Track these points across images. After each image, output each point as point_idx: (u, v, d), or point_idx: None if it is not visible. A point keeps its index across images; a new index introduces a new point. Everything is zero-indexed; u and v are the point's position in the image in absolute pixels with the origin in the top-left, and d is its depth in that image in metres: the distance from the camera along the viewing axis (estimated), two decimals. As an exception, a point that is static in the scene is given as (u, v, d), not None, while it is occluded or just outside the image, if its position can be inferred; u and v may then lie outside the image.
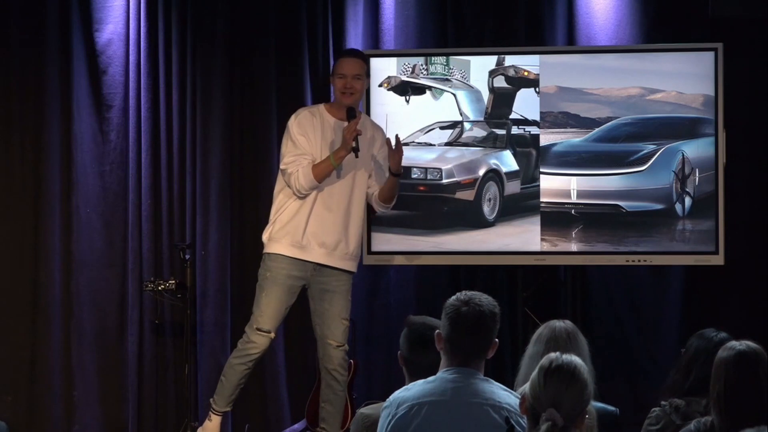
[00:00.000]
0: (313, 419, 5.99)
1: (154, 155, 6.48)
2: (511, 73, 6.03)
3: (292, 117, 5.53)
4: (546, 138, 6.04)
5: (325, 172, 5.43)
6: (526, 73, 6.02)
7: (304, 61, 6.45)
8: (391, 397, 3.50)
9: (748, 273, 6.19)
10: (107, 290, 6.51)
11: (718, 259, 5.89)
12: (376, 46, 6.41)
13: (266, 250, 5.54)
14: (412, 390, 3.48)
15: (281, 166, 5.49)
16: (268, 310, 5.49)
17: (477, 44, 6.35)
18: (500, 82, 6.04)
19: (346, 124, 5.41)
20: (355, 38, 6.45)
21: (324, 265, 5.52)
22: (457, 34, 6.42)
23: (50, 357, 6.47)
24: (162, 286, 6.18)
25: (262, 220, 6.18)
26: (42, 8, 6.47)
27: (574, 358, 3.00)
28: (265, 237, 5.55)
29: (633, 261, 5.97)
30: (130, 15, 6.46)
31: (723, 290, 6.23)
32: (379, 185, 5.60)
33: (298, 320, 6.49)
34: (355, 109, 5.50)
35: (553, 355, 3.00)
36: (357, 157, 5.43)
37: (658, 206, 5.98)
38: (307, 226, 5.48)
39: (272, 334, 5.53)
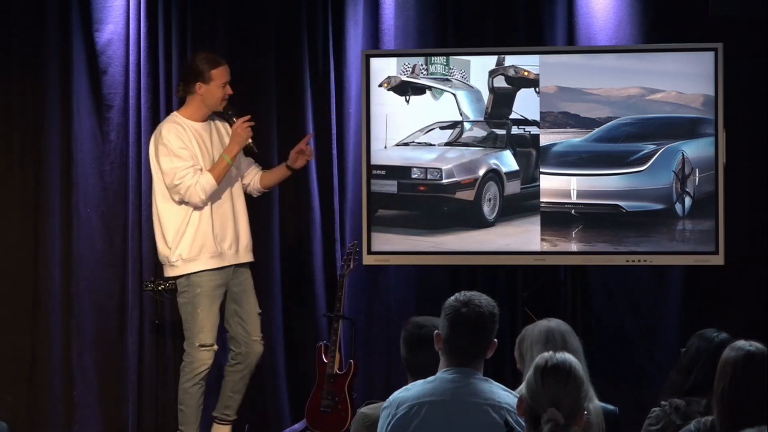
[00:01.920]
0: (313, 419, 6.00)
1: (154, 155, 6.48)
2: (511, 73, 6.03)
3: (162, 135, 5.53)
4: (546, 138, 6.04)
5: (223, 173, 5.56)
6: (526, 73, 6.02)
7: (304, 61, 6.45)
8: (391, 397, 3.51)
9: (748, 273, 6.18)
10: (107, 290, 6.52)
11: (718, 259, 5.89)
12: (376, 46, 6.41)
13: (185, 271, 5.57)
14: (411, 390, 3.48)
15: (174, 182, 5.47)
16: (208, 324, 5.58)
17: (477, 44, 6.35)
18: (500, 82, 6.04)
19: (207, 125, 5.61)
20: (355, 38, 6.45)
21: (236, 265, 5.66)
22: (457, 34, 6.42)
23: (50, 357, 6.47)
24: (162, 286, 6.18)
25: (261, 219, 6.20)
26: (42, 8, 6.47)
27: (568, 356, 3.00)
28: (173, 259, 5.56)
29: (633, 261, 5.97)
30: (130, 15, 6.46)
31: (723, 290, 6.23)
32: (251, 171, 5.78)
33: (298, 321, 6.51)
34: (230, 107, 5.65)
35: (547, 354, 3.00)
36: (251, 151, 5.66)
37: (658, 206, 5.98)
38: (214, 234, 5.58)
39: (215, 347, 5.64)
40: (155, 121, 6.47)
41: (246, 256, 5.75)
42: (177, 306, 6.11)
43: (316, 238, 6.46)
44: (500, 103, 6.05)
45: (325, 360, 6.02)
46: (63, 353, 6.48)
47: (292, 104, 6.47)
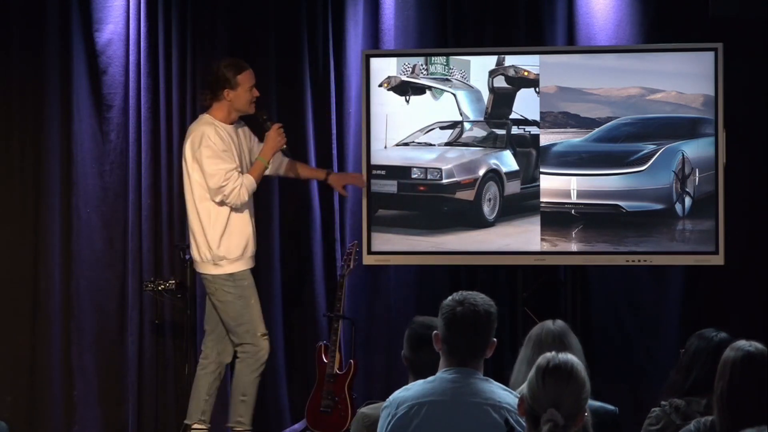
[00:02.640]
0: (313, 419, 6.00)
1: (154, 155, 6.49)
2: (511, 73, 6.03)
3: (203, 138, 5.57)
4: (546, 138, 6.04)
5: (262, 175, 5.74)
6: (526, 73, 6.02)
7: (304, 61, 6.45)
8: (391, 397, 3.50)
9: (748, 273, 6.18)
10: (107, 290, 6.52)
11: (718, 259, 5.89)
12: (376, 46, 6.41)
13: (229, 270, 5.65)
14: (411, 390, 3.48)
15: (220, 183, 5.54)
16: (258, 314, 5.71)
17: (477, 44, 6.35)
18: (500, 82, 6.04)
19: (235, 127, 5.70)
20: (355, 38, 6.45)
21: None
22: (457, 34, 6.42)
23: (50, 357, 6.47)
24: (162, 286, 6.19)
25: (261, 219, 6.20)
26: (42, 8, 6.47)
27: (571, 357, 3.00)
28: (217, 258, 5.63)
29: (633, 261, 5.97)
30: (130, 15, 6.46)
31: (723, 290, 6.23)
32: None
33: (298, 321, 6.51)
34: (263, 111, 5.81)
35: (549, 354, 2.99)
36: (286, 154, 5.85)
37: (658, 206, 5.98)
38: (253, 234, 5.71)
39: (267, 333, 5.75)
40: (155, 121, 6.48)
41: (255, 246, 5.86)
42: (177, 306, 6.13)
43: (316, 238, 6.46)
44: (500, 103, 6.05)
45: (325, 360, 6.02)
46: (63, 353, 6.48)
47: (292, 104, 6.47)
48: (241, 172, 5.64)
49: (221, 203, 5.60)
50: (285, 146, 5.78)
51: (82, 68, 6.49)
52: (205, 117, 5.70)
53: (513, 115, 6.05)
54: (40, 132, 6.51)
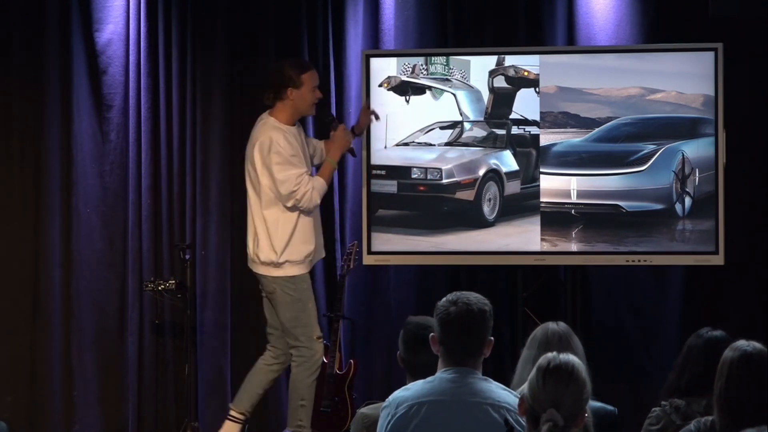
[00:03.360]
0: (313, 419, 5.99)
1: (154, 155, 6.49)
2: (511, 73, 6.03)
3: (272, 144, 5.55)
4: (546, 138, 6.04)
5: (331, 177, 5.79)
6: (526, 73, 6.02)
7: (304, 61, 6.45)
8: (391, 397, 3.51)
9: (748, 273, 6.19)
10: (107, 290, 6.52)
11: (718, 259, 5.89)
12: (376, 46, 6.41)
13: (290, 273, 5.64)
14: (411, 390, 3.48)
15: (292, 188, 5.52)
16: (314, 318, 5.70)
17: (477, 44, 6.35)
18: (500, 82, 6.04)
19: (298, 128, 5.69)
20: (355, 38, 6.45)
21: None
22: (457, 34, 6.42)
23: (50, 357, 6.47)
24: (162, 286, 6.19)
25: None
26: (42, 8, 6.46)
27: (572, 358, 3.00)
28: (280, 261, 5.62)
29: (633, 261, 5.97)
30: (130, 15, 6.46)
31: (723, 290, 6.23)
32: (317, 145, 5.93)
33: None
34: (328, 111, 5.87)
35: (550, 355, 3.00)
36: (354, 156, 5.86)
37: (658, 206, 5.98)
38: (315, 238, 5.71)
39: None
40: (155, 121, 6.48)
41: (322, 252, 5.89)
42: (177, 306, 6.13)
43: (316, 238, 6.46)
44: (500, 103, 6.05)
45: (325, 360, 6.02)
46: (63, 353, 6.48)
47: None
48: (310, 176, 5.64)
49: (293, 208, 5.59)
50: (352, 147, 5.82)
51: (82, 68, 6.49)
52: (270, 121, 5.65)
53: (513, 115, 6.05)
54: (40, 132, 6.50)
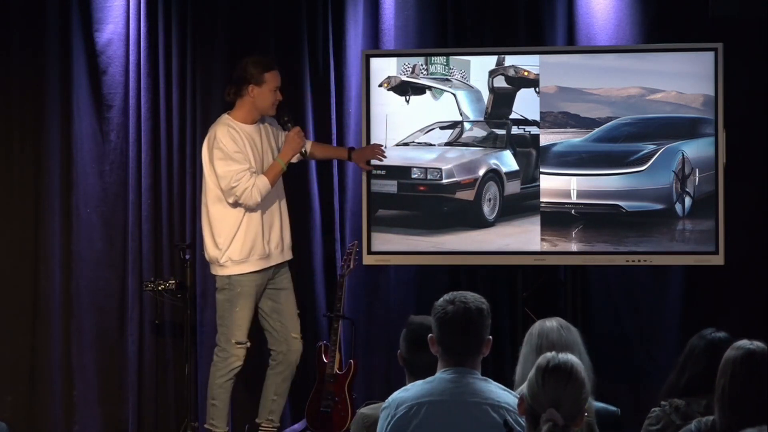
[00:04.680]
0: (313, 419, 6.00)
1: (154, 155, 6.49)
2: (511, 73, 6.03)
3: (217, 139, 5.59)
4: (546, 138, 6.04)
5: (278, 177, 5.72)
6: (526, 73, 6.02)
7: (304, 61, 6.45)
8: (391, 398, 3.51)
9: (748, 273, 6.18)
10: (107, 290, 6.52)
11: (718, 259, 5.89)
12: (376, 46, 6.41)
13: (230, 272, 5.66)
14: (411, 390, 3.48)
15: (231, 184, 5.55)
16: (244, 322, 5.70)
17: (477, 44, 6.35)
18: (500, 82, 6.04)
19: (258, 127, 5.69)
20: (355, 38, 6.45)
21: (278, 264, 5.76)
22: (457, 34, 6.41)
23: (50, 357, 6.47)
24: (162, 286, 6.19)
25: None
26: (42, 8, 6.47)
27: (571, 357, 3.00)
28: (222, 260, 5.65)
29: (633, 261, 5.96)
30: (130, 15, 6.46)
31: (723, 290, 6.23)
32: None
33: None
34: (286, 113, 5.82)
35: (549, 354, 3.00)
36: (304, 156, 5.85)
37: (658, 206, 5.97)
38: (263, 236, 5.67)
39: (248, 344, 5.74)
40: (155, 121, 6.48)
41: (288, 254, 5.85)
42: (177, 306, 6.13)
43: (316, 238, 6.46)
44: (500, 103, 6.05)
45: (325, 360, 6.02)
46: (63, 353, 6.48)
47: (292, 104, 6.46)
48: (257, 173, 5.63)
49: (236, 204, 5.60)
50: (304, 149, 5.81)
51: (82, 68, 6.49)
52: (223, 117, 5.70)
53: (513, 115, 6.05)
54: (40, 132, 6.51)
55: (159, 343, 6.48)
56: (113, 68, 6.50)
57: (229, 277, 5.67)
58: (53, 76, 6.49)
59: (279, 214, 5.78)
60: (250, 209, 5.63)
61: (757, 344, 3.29)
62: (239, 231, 5.64)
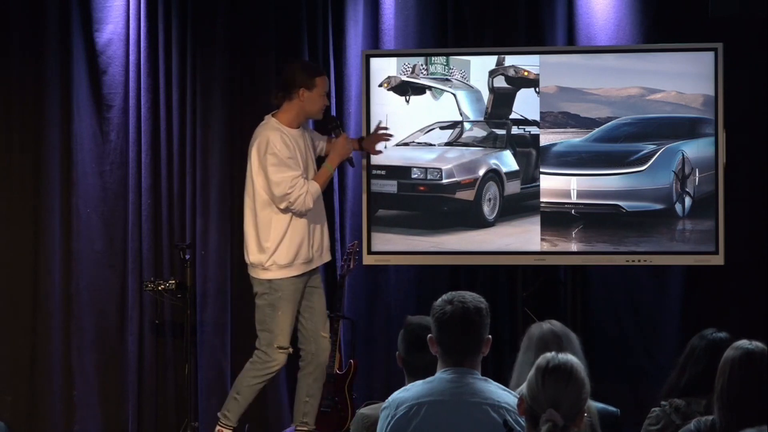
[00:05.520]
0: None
1: (154, 155, 6.49)
2: (511, 73, 6.03)
3: (269, 145, 5.54)
4: (546, 138, 6.03)
5: (327, 182, 5.74)
6: (526, 73, 6.02)
7: (304, 61, 6.46)
8: (390, 398, 3.51)
9: (748, 273, 6.18)
10: (107, 290, 6.52)
11: (718, 259, 5.89)
12: (376, 46, 6.41)
13: (275, 276, 5.61)
14: (411, 390, 3.48)
15: (286, 191, 5.50)
16: (286, 326, 5.64)
17: (477, 44, 6.35)
18: (500, 82, 6.04)
19: (301, 132, 5.66)
20: (355, 38, 6.45)
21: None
22: (457, 34, 6.42)
23: (50, 357, 6.47)
24: (162, 286, 6.19)
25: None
26: (42, 8, 6.47)
27: (571, 357, 3.00)
28: (267, 264, 5.60)
29: (633, 261, 5.96)
30: (130, 15, 6.46)
31: (723, 290, 6.23)
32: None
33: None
34: (334, 118, 5.84)
35: (549, 355, 3.00)
36: (353, 166, 5.88)
37: (658, 206, 5.97)
38: (309, 241, 5.64)
39: (291, 349, 5.69)
40: (155, 121, 6.48)
41: (327, 256, 5.82)
42: (177, 306, 6.12)
43: (316, 238, 6.46)
44: (500, 103, 6.05)
45: (325, 360, 6.02)
46: (63, 353, 6.48)
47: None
48: (306, 178, 5.61)
49: (286, 210, 5.57)
50: (350, 156, 5.80)
51: (82, 68, 6.49)
52: (271, 121, 5.64)
53: (513, 115, 6.05)
54: (40, 132, 6.50)
55: (159, 343, 6.48)
56: (113, 68, 6.50)
57: (270, 281, 5.61)
58: (53, 76, 6.49)
59: (322, 217, 5.76)
60: (299, 215, 5.59)
61: (755, 344, 3.29)
62: (286, 236, 5.58)
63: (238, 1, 6.49)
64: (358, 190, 6.26)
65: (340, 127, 5.87)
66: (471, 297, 3.50)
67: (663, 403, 3.83)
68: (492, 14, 6.41)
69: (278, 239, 5.58)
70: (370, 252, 6.08)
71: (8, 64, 6.51)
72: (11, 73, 6.52)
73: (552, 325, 3.84)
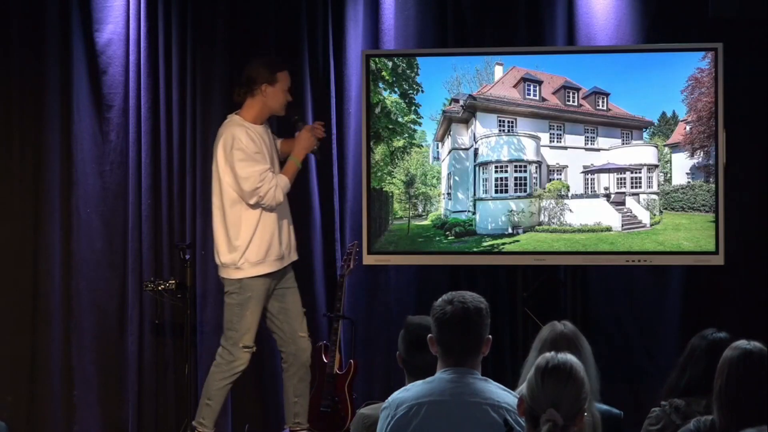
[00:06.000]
0: (313, 419, 5.99)
1: (154, 155, 6.49)
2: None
3: (234, 140, 5.55)
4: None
5: (295, 175, 5.71)
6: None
7: (304, 61, 6.45)
8: (391, 398, 3.51)
9: (748, 273, 6.18)
10: (107, 290, 6.52)
11: (718, 259, 5.89)
12: (376, 46, 6.41)
13: (245, 275, 5.61)
14: (411, 390, 3.48)
15: (255, 185, 5.52)
16: (253, 326, 5.67)
17: (477, 44, 6.35)
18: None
19: (265, 128, 5.68)
20: (355, 38, 6.45)
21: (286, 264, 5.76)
22: (457, 34, 6.41)
23: (50, 357, 6.47)
24: (162, 286, 6.19)
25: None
26: (42, 8, 6.47)
27: (570, 357, 3.00)
28: (240, 262, 5.60)
29: (633, 261, 5.96)
30: (130, 15, 6.46)
31: (723, 290, 6.23)
32: None
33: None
34: (295, 112, 5.82)
35: (548, 355, 3.00)
36: (318, 157, 5.88)
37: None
38: (279, 236, 5.64)
39: (254, 348, 5.72)
40: (155, 121, 6.48)
41: (294, 255, 5.83)
42: (177, 306, 6.12)
43: (316, 238, 6.46)
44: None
45: (325, 360, 6.02)
46: (63, 353, 6.48)
47: (292, 104, 6.46)
48: (275, 172, 5.62)
49: (256, 205, 5.57)
50: (316, 147, 5.79)
51: (82, 68, 6.49)
52: (234, 118, 5.66)
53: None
54: (40, 132, 6.51)
55: (159, 343, 6.48)
56: (113, 68, 6.50)
57: (240, 280, 5.62)
58: (53, 76, 6.49)
59: (288, 217, 5.77)
60: (266, 210, 5.59)
61: (754, 344, 3.29)
62: (257, 232, 5.60)
63: (238, 1, 6.49)
64: (358, 190, 6.26)
65: (303, 120, 5.88)
66: (471, 297, 3.50)
67: (663, 403, 3.83)
68: (492, 14, 6.41)
69: (249, 236, 5.58)
70: (370, 252, 6.08)
71: (8, 64, 6.51)
72: (11, 73, 6.52)
73: (565, 327, 3.84)
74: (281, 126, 6.09)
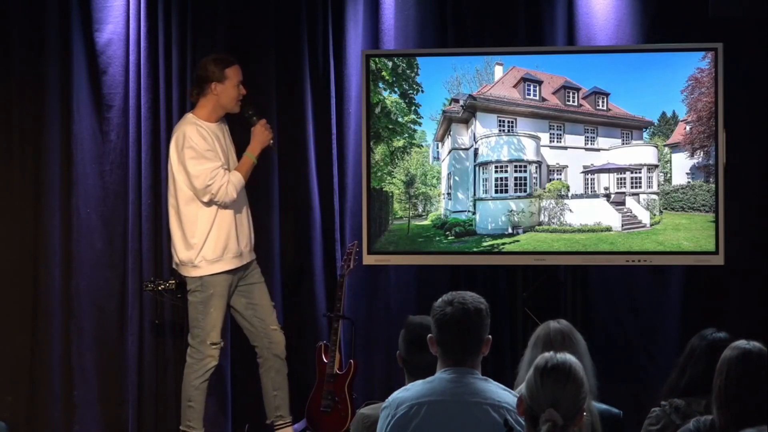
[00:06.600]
0: (313, 419, 6.00)
1: (154, 155, 6.49)
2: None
3: (185, 139, 5.59)
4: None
5: (250, 172, 5.72)
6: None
7: (304, 61, 6.45)
8: (391, 398, 3.51)
9: (748, 273, 6.18)
10: (107, 290, 6.52)
11: (718, 259, 5.89)
12: (376, 46, 6.41)
13: (207, 272, 5.65)
14: (411, 390, 3.48)
15: (206, 182, 5.55)
16: (218, 323, 5.70)
17: (477, 44, 6.35)
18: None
19: (220, 125, 5.70)
20: (355, 38, 6.45)
21: (247, 262, 5.78)
22: (457, 34, 6.42)
23: (50, 357, 6.47)
24: (162, 286, 6.18)
25: (261, 219, 6.20)
26: (42, 8, 6.47)
27: (569, 357, 3.00)
28: (197, 261, 5.64)
29: (633, 261, 5.96)
30: (130, 15, 6.46)
31: (723, 290, 6.23)
32: None
33: (298, 321, 6.50)
34: (250, 107, 5.79)
35: (547, 354, 3.00)
36: (273, 150, 5.86)
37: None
38: (237, 234, 5.67)
39: (222, 343, 5.76)
40: (155, 121, 6.47)
41: (253, 254, 5.87)
42: (177, 306, 6.12)
43: (316, 238, 6.47)
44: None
45: (325, 360, 6.03)
46: (63, 353, 6.48)
47: (292, 104, 6.47)
48: (228, 170, 5.63)
49: (210, 203, 5.59)
50: (271, 142, 5.79)
51: (82, 68, 6.49)
52: (187, 116, 5.71)
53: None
54: (40, 132, 6.51)
55: (159, 343, 6.48)
56: (113, 68, 6.50)
57: (201, 278, 5.66)
58: (53, 76, 6.49)
59: (247, 215, 5.80)
60: (222, 208, 5.61)
61: (753, 344, 3.30)
62: (212, 230, 5.63)
63: (238, 2, 6.49)
64: (358, 190, 6.26)
65: (257, 114, 5.86)
66: (471, 297, 3.50)
67: (663, 403, 3.83)
68: (492, 14, 6.41)
69: (205, 234, 5.61)
70: (370, 252, 6.08)
71: (8, 64, 6.51)
72: (11, 73, 6.52)
73: (560, 324, 3.84)
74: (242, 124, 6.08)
